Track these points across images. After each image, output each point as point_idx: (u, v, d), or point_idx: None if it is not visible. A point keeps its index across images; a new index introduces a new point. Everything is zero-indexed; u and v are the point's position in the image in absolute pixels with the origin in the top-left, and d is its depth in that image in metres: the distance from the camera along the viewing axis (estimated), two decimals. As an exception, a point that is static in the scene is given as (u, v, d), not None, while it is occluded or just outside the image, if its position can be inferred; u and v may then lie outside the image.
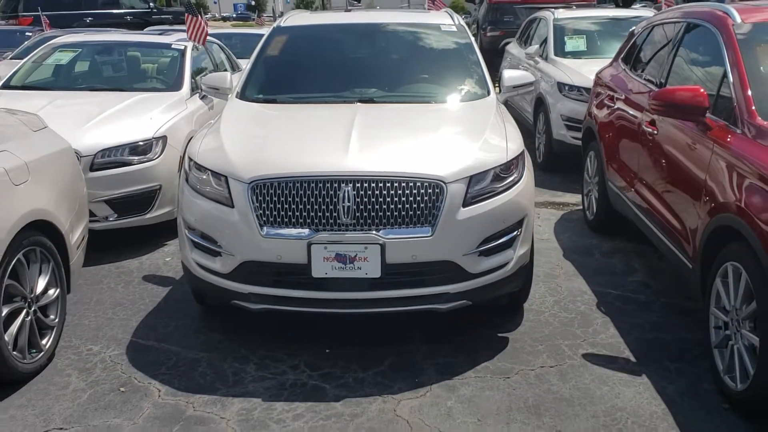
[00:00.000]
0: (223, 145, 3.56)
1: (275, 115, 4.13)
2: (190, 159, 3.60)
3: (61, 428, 2.90)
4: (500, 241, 3.37)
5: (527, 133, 8.15)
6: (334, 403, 3.08)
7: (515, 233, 3.43)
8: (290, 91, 4.40)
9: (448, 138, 3.63)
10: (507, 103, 9.13)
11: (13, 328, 3.15)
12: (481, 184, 3.32)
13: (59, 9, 18.12)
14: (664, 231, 3.86)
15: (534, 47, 8.31)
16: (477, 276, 3.33)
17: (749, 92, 3.24)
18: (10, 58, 10.77)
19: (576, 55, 7.67)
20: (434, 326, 3.74)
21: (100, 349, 3.58)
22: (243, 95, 4.32)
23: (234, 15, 68.30)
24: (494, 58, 10.58)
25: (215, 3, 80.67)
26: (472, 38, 4.78)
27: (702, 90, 3.43)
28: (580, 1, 11.60)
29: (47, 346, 3.40)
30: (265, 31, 13.91)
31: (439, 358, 3.44)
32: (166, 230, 5.26)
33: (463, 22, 4.98)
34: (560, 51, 7.76)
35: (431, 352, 3.51)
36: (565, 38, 7.89)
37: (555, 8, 9.38)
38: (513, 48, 9.78)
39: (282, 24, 4.98)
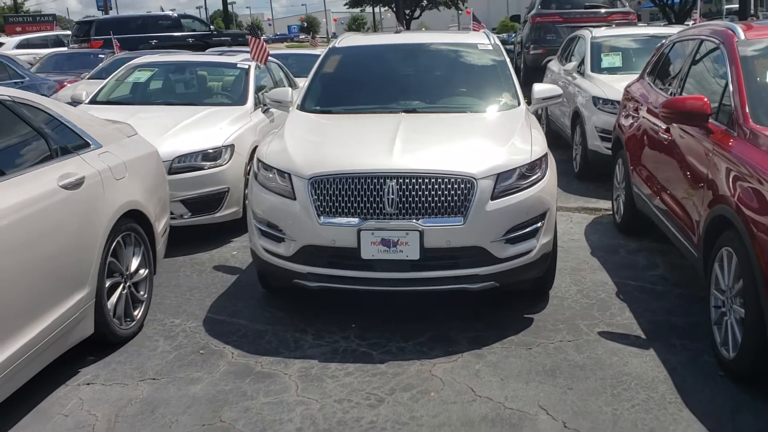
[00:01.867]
0: (287, 148, 4.17)
1: (331, 123, 4.74)
2: (259, 160, 4.23)
3: (153, 378, 3.52)
4: (525, 230, 3.87)
5: (565, 145, 8.63)
6: (379, 364, 3.62)
7: (538, 224, 3.93)
8: (343, 103, 5.00)
9: (479, 141, 4.17)
10: (548, 118, 9.62)
11: (113, 298, 3.80)
12: (507, 181, 3.84)
13: (127, 32, 19.34)
14: (675, 225, 4.30)
15: (572, 64, 8.77)
16: (504, 261, 3.84)
17: (746, 100, 3.68)
18: (88, 78, 11.76)
19: (611, 71, 8.10)
20: (467, 307, 4.25)
21: (180, 322, 4.22)
22: (303, 107, 4.95)
23: (290, 36, 70.20)
24: (537, 74, 11.05)
25: (270, 25, 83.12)
26: (506, 56, 5.30)
27: (705, 99, 3.88)
28: (620, 20, 11.99)
29: (138, 317, 4.05)
30: (319, 51, 14.73)
31: (471, 333, 3.95)
32: (232, 228, 5.93)
33: (498, 42, 5.52)
34: (596, 67, 8.21)
35: (464, 328, 4.02)
36: (602, 55, 8.33)
37: (595, 27, 9.84)
38: (554, 65, 10.24)
39: (336, 45, 5.62)
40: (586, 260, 5.19)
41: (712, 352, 3.59)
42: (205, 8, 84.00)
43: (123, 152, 4.11)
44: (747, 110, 3.62)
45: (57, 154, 3.53)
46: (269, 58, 7.79)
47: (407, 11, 47.63)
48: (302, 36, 70.70)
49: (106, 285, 3.70)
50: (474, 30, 10.97)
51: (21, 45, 22.55)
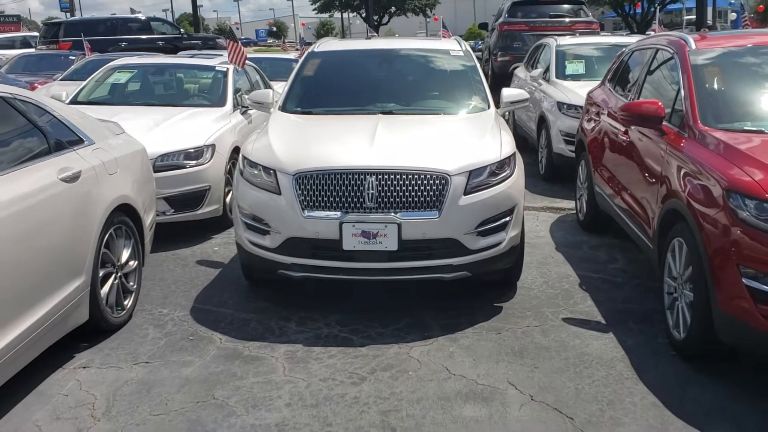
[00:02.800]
0: (272, 146, 4.40)
1: (312, 123, 4.98)
2: (245, 158, 4.45)
3: (146, 362, 3.72)
4: (495, 224, 4.17)
5: (532, 148, 8.99)
6: (360, 348, 3.87)
7: (507, 219, 4.23)
8: (323, 104, 5.25)
9: (453, 141, 4.46)
10: (515, 123, 9.98)
11: (106, 288, 3.99)
12: (479, 178, 4.13)
13: (96, 34, 19.26)
14: (633, 220, 4.64)
15: (538, 71, 9.15)
16: (475, 252, 4.12)
17: (696, 104, 4.03)
18: (61, 79, 11.78)
19: (575, 77, 8.49)
20: (442, 296, 4.52)
21: (168, 311, 4.41)
22: (284, 108, 5.19)
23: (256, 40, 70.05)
24: (504, 81, 11.42)
25: (237, 29, 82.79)
26: (477, 62, 5.62)
27: (659, 103, 4.23)
28: (584, 29, 12.46)
29: (128, 306, 4.24)
30: (289, 55, 14.88)
31: (444, 320, 4.22)
32: (213, 226, 6.13)
33: (469, 48, 5.83)
34: (561, 74, 8.59)
35: (438, 315, 4.29)
36: (566, 62, 8.72)
37: (559, 35, 10.25)
38: (520, 72, 10.62)
39: (315, 50, 5.87)
40: (551, 255, 5.51)
41: (665, 334, 3.92)
42: (172, 11, 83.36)
43: (114, 149, 4.30)
44: (696, 113, 3.97)
45: (54, 148, 3.71)
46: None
47: (375, 17, 48.08)
48: (270, 40, 70.68)
49: (100, 275, 3.89)
50: (444, 37, 11.33)
51: (-15, 46, 22.25)
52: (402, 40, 6.47)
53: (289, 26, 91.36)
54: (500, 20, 14.10)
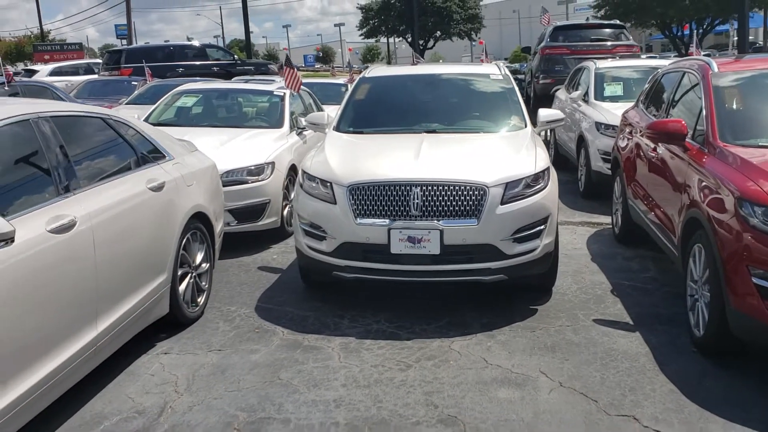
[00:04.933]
0: (328, 162, 4.92)
1: (363, 141, 5.49)
2: (305, 172, 4.97)
3: (219, 350, 4.23)
4: (530, 232, 4.57)
5: (572, 167, 9.34)
6: (406, 341, 4.31)
7: (542, 227, 4.63)
8: (374, 125, 5.76)
9: (491, 156, 4.90)
10: (556, 143, 10.35)
11: (183, 285, 4.53)
12: (515, 189, 4.55)
13: (155, 61, 20.33)
14: (661, 231, 4.98)
15: (577, 92, 9.53)
16: (512, 257, 4.53)
17: (716, 122, 4.39)
18: (126, 103, 12.63)
19: (613, 99, 8.83)
20: (481, 298, 4.94)
21: (236, 309, 4.93)
22: (338, 128, 5.72)
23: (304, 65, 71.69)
24: (545, 102, 11.80)
25: (287, 55, 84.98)
26: (515, 85, 6.06)
27: (683, 122, 4.60)
28: (624, 52, 12.76)
29: (201, 303, 4.77)
30: (338, 80, 15.54)
31: (483, 319, 4.63)
32: (271, 236, 6.68)
33: (508, 72, 6.28)
34: (599, 95, 8.95)
35: (478, 315, 4.70)
36: (604, 84, 9.08)
37: (600, 59, 10.61)
38: (561, 94, 11.00)
39: (366, 75, 6.41)
40: (586, 265, 5.86)
41: (687, 334, 4.25)
42: (223, 38, 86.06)
43: (189, 164, 4.87)
44: (716, 130, 4.33)
45: (142, 162, 4.29)
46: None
47: (421, 42, 48.88)
48: (317, 65, 72.23)
49: (179, 273, 4.43)
50: (483, 62, 11.82)
51: (54, 72, 23.66)
52: (445, 66, 7.00)
53: (336, 51, 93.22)
54: (542, 44, 14.51)
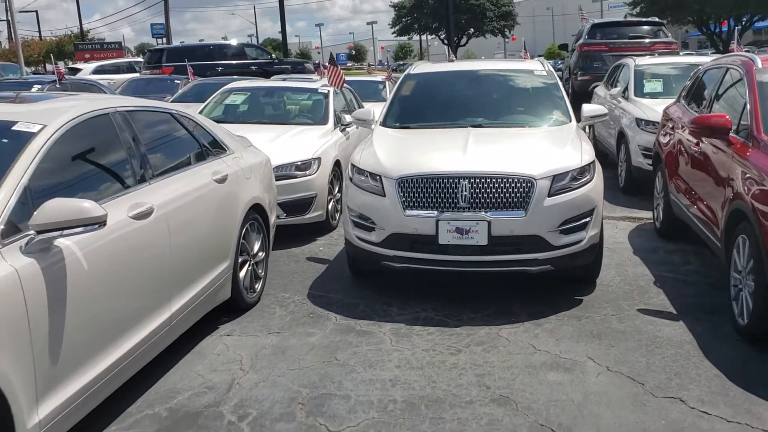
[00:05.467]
0: (377, 156, 5.11)
1: (410, 136, 5.67)
2: (354, 166, 5.16)
3: (278, 332, 4.46)
4: (576, 223, 4.71)
5: (612, 163, 9.40)
6: (455, 328, 4.49)
7: (587, 219, 4.76)
8: (419, 120, 5.94)
9: (538, 149, 5.05)
10: (596, 139, 10.41)
11: (243, 272, 4.77)
12: (561, 182, 4.69)
13: (195, 60, 20.76)
14: (704, 224, 5.07)
15: (617, 89, 9.59)
16: (558, 248, 4.67)
17: (760, 117, 4.48)
18: (171, 101, 12.98)
19: (653, 95, 8.88)
20: (527, 289, 5.08)
21: (289, 296, 5.16)
22: (384, 123, 5.91)
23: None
24: (583, 99, 11.84)
25: (319, 53, 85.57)
26: (559, 80, 6.19)
27: (726, 116, 4.69)
28: (663, 49, 12.73)
29: (258, 289, 5.01)
30: (376, 78, 15.72)
31: (530, 308, 4.78)
32: (317, 229, 6.90)
33: (551, 68, 6.41)
34: (639, 92, 9.01)
35: (524, 305, 4.85)
36: (644, 81, 9.13)
37: (639, 56, 10.63)
38: (600, 90, 11.04)
39: (411, 72, 6.59)
40: (629, 258, 5.96)
41: (731, 323, 4.35)
42: (257, 37, 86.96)
43: (247, 158, 5.11)
44: (760, 124, 4.42)
45: (207, 155, 4.53)
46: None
47: (454, 39, 48.88)
48: (349, 63, 72.62)
49: (239, 261, 4.67)
50: (524, 58, 11.90)
51: (96, 71, 24.29)
52: (489, 62, 7.17)
53: (369, 49, 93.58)
54: (580, 41, 14.52)
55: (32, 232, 2.67)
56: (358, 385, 3.70)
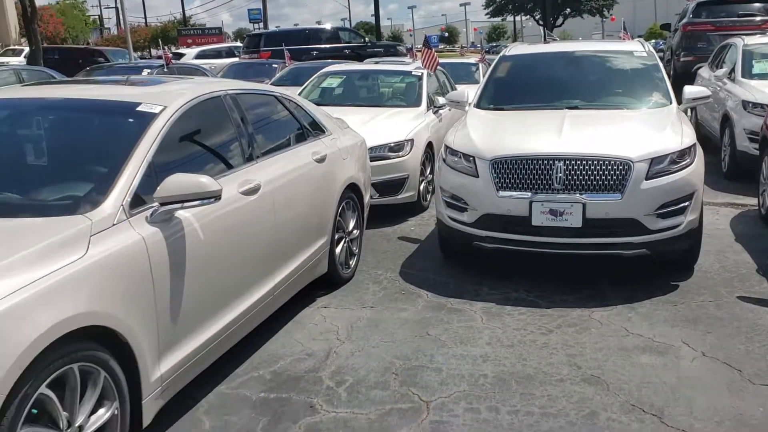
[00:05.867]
0: (471, 137, 5.17)
1: (505, 117, 5.69)
2: (447, 147, 5.25)
3: (371, 306, 4.63)
4: (674, 207, 4.61)
5: (714, 147, 9.03)
6: (546, 309, 4.52)
7: (686, 203, 4.65)
8: (514, 102, 5.94)
9: (636, 131, 4.96)
10: (698, 122, 10.01)
11: (339, 248, 4.97)
12: (660, 165, 4.60)
13: (291, 44, 21.33)
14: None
15: (723, 70, 9.16)
16: (655, 232, 4.60)
17: None
18: (270, 84, 13.43)
19: (762, 77, 8.44)
20: (621, 273, 5.03)
21: (382, 273, 5.33)
22: (478, 105, 5.95)
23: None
24: (686, 81, 11.36)
25: (411, 36, 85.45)
26: (659, 61, 6.01)
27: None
28: (775, 27, 11.99)
29: (353, 266, 5.20)
30: (469, 60, 15.63)
31: (624, 292, 4.74)
32: (409, 210, 7.04)
33: (652, 49, 6.23)
34: (747, 73, 8.58)
35: (618, 289, 4.81)
36: (753, 62, 8.68)
37: (747, 35, 10.10)
38: (704, 72, 10.58)
39: (506, 53, 6.58)
40: (730, 245, 5.76)
41: (841, 314, 4.17)
42: (349, 20, 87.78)
43: (344, 139, 5.29)
44: None
45: (307, 136, 4.74)
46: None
47: (550, 19, 47.62)
48: (441, 45, 72.14)
49: (335, 237, 4.87)
50: (623, 39, 11.54)
51: (199, 56, 25.35)
52: (587, 43, 7.05)
53: (461, 31, 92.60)
54: (684, 20, 13.87)
55: (156, 203, 2.93)
56: (449, 359, 3.82)
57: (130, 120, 3.27)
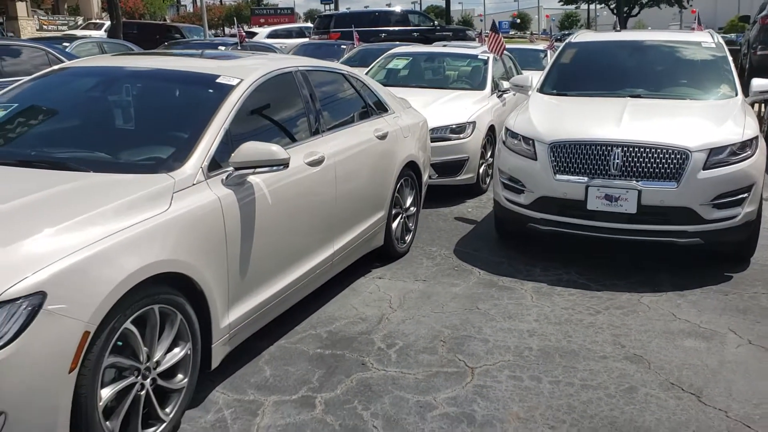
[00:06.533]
0: (531, 120, 5.27)
1: (566, 103, 5.76)
2: (508, 129, 5.37)
3: (424, 280, 4.83)
4: (731, 198, 4.62)
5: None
6: (596, 292, 4.62)
7: (744, 195, 4.66)
8: (577, 88, 5.99)
9: (696, 121, 4.97)
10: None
11: (395, 223, 5.17)
12: (719, 156, 4.61)
13: (361, 26, 21.56)
14: None
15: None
16: (710, 222, 4.63)
17: None
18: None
19: (842, 71, 8.16)
20: (674, 262, 5.07)
21: (436, 250, 5.51)
22: (542, 90, 6.03)
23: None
24: (762, 74, 11.02)
25: (481, 21, 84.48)
26: (728, 53, 5.95)
27: None
28: None
29: (408, 241, 5.41)
30: (537, 46, 15.53)
31: (675, 280, 4.79)
32: (467, 191, 7.19)
33: (721, 41, 6.16)
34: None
35: (669, 276, 4.86)
36: (833, 56, 8.39)
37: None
38: (782, 65, 10.26)
39: (572, 40, 6.61)
40: (791, 238, 5.69)
41: None
42: (420, 3, 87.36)
43: (406, 118, 5.47)
44: None
45: (371, 113, 4.95)
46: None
47: (625, 9, 46.34)
48: (512, 32, 71.04)
49: (392, 212, 5.08)
50: (694, 30, 11.27)
51: (270, 35, 25.89)
52: (654, 33, 7.00)
53: (533, 18, 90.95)
54: (764, 13, 13.39)
55: (231, 168, 3.19)
56: (496, 332, 3.99)
57: (210, 90, 3.54)
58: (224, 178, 3.17)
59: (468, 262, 5.21)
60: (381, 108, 5.15)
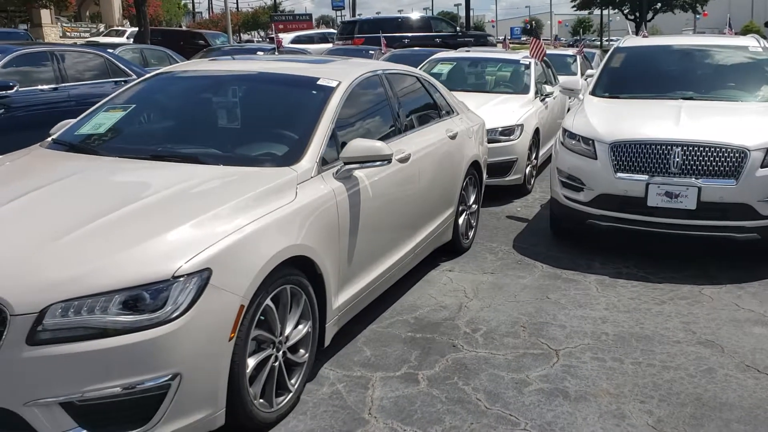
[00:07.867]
0: (590, 122, 5.52)
1: (622, 105, 6.00)
2: (566, 130, 5.62)
3: (492, 273, 5.08)
4: (790, 195, 4.85)
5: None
6: (657, 284, 4.85)
7: (799, 192, 4.89)
8: (629, 91, 6.24)
9: (753, 121, 5.21)
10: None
11: (461, 219, 5.43)
12: (776, 154, 4.85)
13: (385, 31, 21.87)
14: None
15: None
16: (766, 218, 4.86)
17: None
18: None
19: None
20: (731, 257, 5.30)
21: (497, 245, 5.76)
22: (594, 93, 6.28)
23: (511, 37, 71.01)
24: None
25: (493, 27, 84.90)
26: (775, 56, 6.19)
27: None
28: None
29: (471, 237, 5.67)
30: (566, 51, 15.73)
31: (732, 273, 5.01)
32: (514, 192, 7.44)
33: (767, 44, 6.40)
34: None
35: (727, 270, 5.08)
36: None
37: None
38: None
39: (620, 45, 6.87)
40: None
41: None
42: (432, 9, 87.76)
43: (469, 120, 5.74)
44: None
45: (442, 114, 5.22)
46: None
47: (637, 14, 46.48)
48: (524, 38, 71.27)
49: (459, 209, 5.34)
50: (728, 34, 11.51)
51: (293, 41, 26.24)
52: (701, 37, 7.27)
53: (545, 24, 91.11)
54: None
55: (340, 163, 3.46)
56: (571, 319, 4.23)
57: (314, 92, 3.82)
58: (335, 172, 3.44)
59: (529, 257, 5.46)
60: (449, 110, 5.42)
